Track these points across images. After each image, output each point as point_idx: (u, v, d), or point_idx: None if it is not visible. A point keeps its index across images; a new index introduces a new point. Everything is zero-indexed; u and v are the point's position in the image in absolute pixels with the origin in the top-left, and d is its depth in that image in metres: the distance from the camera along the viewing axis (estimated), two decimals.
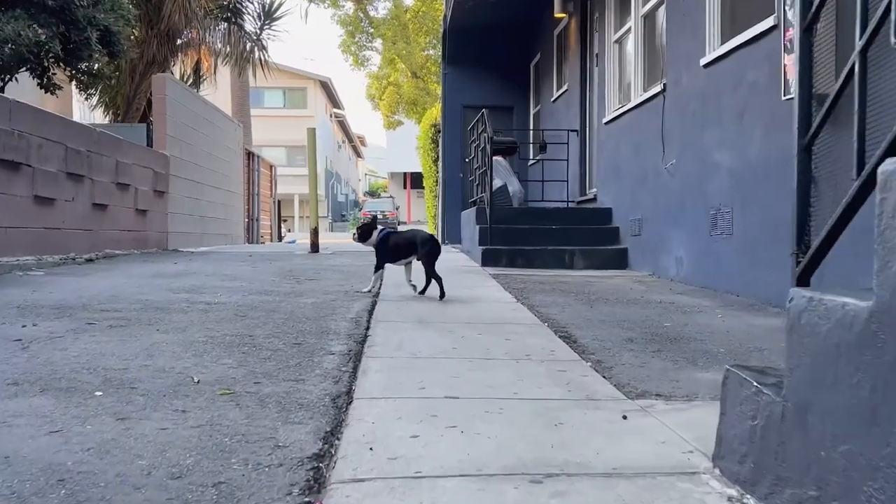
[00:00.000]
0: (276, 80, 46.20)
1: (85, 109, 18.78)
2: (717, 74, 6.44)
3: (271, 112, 47.57)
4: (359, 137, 72.89)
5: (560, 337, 4.36)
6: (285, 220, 33.88)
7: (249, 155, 18.29)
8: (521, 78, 15.69)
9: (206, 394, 2.93)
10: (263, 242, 19.87)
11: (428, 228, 24.72)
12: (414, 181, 58.01)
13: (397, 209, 51.41)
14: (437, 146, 20.94)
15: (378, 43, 27.57)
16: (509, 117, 15.47)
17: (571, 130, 11.39)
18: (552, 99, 13.16)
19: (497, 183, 9.77)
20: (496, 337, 4.30)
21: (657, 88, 7.85)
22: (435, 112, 21.35)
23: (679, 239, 7.25)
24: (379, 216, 48.01)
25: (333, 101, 55.11)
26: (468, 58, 15.65)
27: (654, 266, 7.92)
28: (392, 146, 55.08)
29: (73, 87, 13.44)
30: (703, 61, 6.67)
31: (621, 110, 9.19)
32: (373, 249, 6.15)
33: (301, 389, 3.02)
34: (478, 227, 9.33)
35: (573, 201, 11.33)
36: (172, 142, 11.66)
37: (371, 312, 5.15)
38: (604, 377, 3.40)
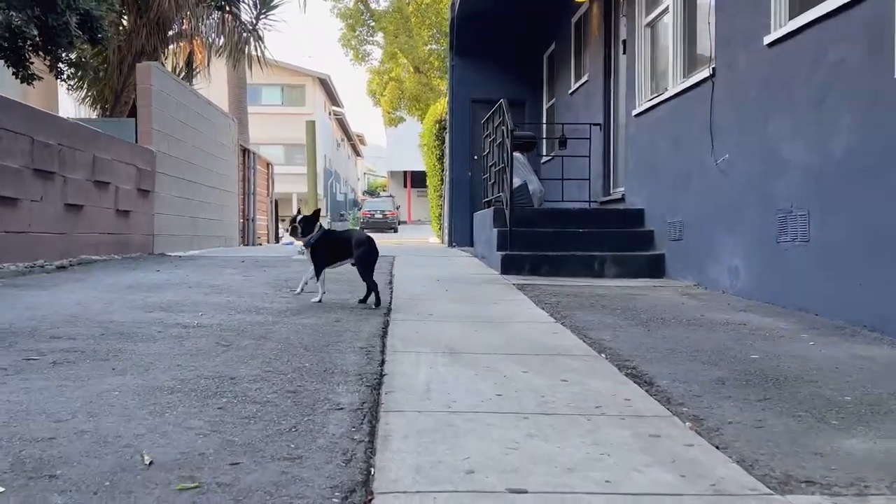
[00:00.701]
0: (274, 76, 45.30)
1: (74, 105, 17.83)
2: (788, 54, 5.50)
3: (269, 109, 46.68)
4: (357, 136, 71.96)
5: (629, 376, 3.41)
6: (283, 220, 32.94)
7: (245, 152, 17.34)
8: (534, 70, 14.75)
9: (158, 488, 1.99)
10: (260, 244, 18.93)
11: (432, 229, 23.76)
12: (414, 180, 57.09)
13: (398, 209, 50.41)
14: (443, 143, 20.02)
15: (379, 37, 26.61)
16: (521, 112, 14.50)
17: (594, 124, 10.45)
18: (570, 91, 12.22)
19: (516, 181, 8.82)
20: (548, 376, 3.36)
21: (704, 73, 6.92)
22: (440, 108, 20.43)
23: (734, 245, 6.31)
24: (379, 216, 47.31)
25: (332, 98, 54.19)
26: (477, 49, 14.74)
27: (700, 275, 6.98)
28: (393, 144, 54.19)
29: (60, 81, 12.45)
30: (767, 40, 5.72)
31: (656, 100, 8.26)
32: (310, 249, 5.59)
33: (297, 478, 2.08)
34: (496, 230, 8.39)
35: (596, 201, 10.40)
36: (159, 136, 10.71)
37: (384, 338, 4.22)
38: (716, 447, 2.47)
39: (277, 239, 20.95)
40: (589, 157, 10.35)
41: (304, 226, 5.54)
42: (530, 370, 3.49)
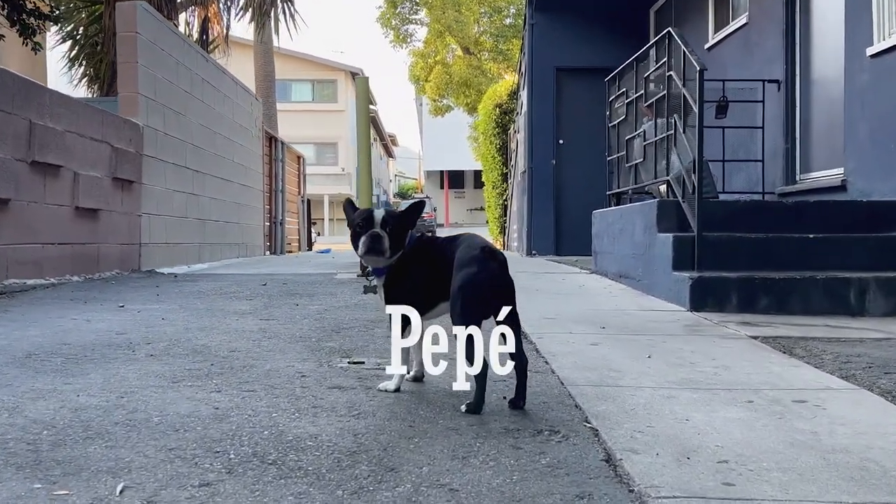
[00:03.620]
0: (304, 71, 42.61)
1: (70, 87, 14.90)
2: None
3: (299, 106, 43.96)
4: (390, 136, 69.23)
5: None
6: (314, 223, 29.90)
7: (272, 141, 14.28)
8: (636, 30, 11.49)
9: None
10: (291, 252, 15.89)
11: (490, 236, 20.48)
12: (452, 180, 53.94)
13: (435, 210, 47.35)
14: (504, 131, 16.86)
15: (423, 14, 23.40)
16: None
17: (770, 81, 7.22)
18: (706, 45, 8.99)
19: (687, 160, 5.55)
20: None
21: None
22: (501, 89, 17.27)
23: None
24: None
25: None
26: (563, 3, 11.54)
27: None
28: (429, 142, 51.21)
29: (25, 41, 9.41)
30: None
31: None
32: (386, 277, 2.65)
33: None
34: (665, 236, 5.18)
35: (772, 192, 7.16)
36: (150, 106, 7.65)
37: None
38: None
39: (310, 245, 17.90)
40: (762, 127, 7.11)
41: (395, 232, 2.49)
42: None
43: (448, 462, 1.93)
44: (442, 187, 55.13)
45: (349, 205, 2.68)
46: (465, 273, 2.40)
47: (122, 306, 4.71)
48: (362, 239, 2.49)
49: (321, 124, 45.03)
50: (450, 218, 53.02)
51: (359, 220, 2.53)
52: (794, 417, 2.44)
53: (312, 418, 2.28)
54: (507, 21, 23.34)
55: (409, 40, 24.31)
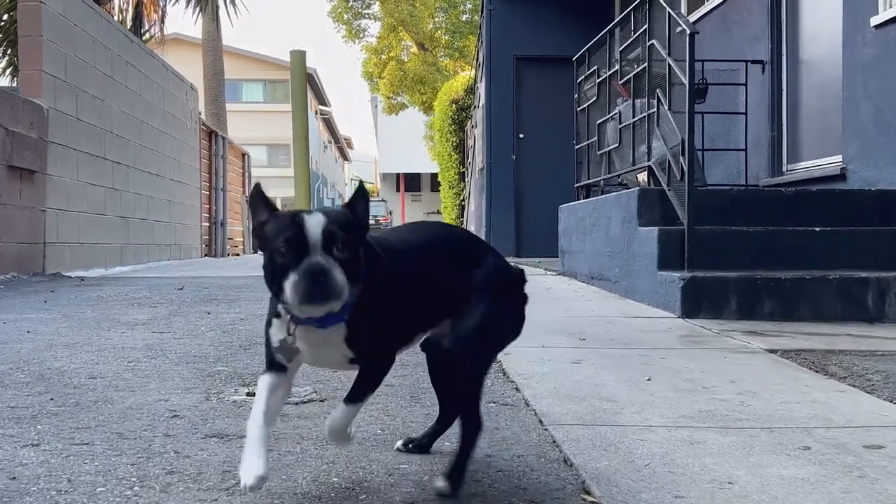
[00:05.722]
0: (255, 71, 41.53)
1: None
2: None
3: (250, 106, 42.85)
4: (345, 139, 68.22)
5: None
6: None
7: (211, 135, 13.30)
8: (601, 15, 10.79)
9: None
10: (237, 255, 14.92)
11: None
12: (408, 183, 53.07)
13: (390, 214, 46.70)
14: (460, 129, 16.12)
15: (376, 8, 22.50)
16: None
17: (753, 61, 6.55)
18: (678, 29, 8.30)
19: (674, 141, 4.82)
20: None
21: None
22: (457, 84, 16.52)
23: None
24: (371, 223, 43.15)
25: (319, 97, 50.21)
26: None
27: None
28: (385, 144, 50.29)
29: None
30: None
31: None
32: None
33: None
34: (649, 230, 4.44)
35: (755, 185, 6.48)
36: (58, 87, 6.69)
37: None
38: None
39: (255, 249, 16.85)
40: (745, 113, 6.42)
41: (351, 250, 1.35)
42: None
43: None
44: (398, 190, 54.26)
45: (259, 199, 1.40)
46: (505, 307, 1.70)
47: None
48: (292, 278, 1.30)
49: (274, 125, 43.77)
50: (405, 222, 52.12)
51: (282, 239, 1.32)
52: (879, 475, 1.68)
53: (159, 496, 1.44)
54: (464, 17, 22.62)
55: (361, 35, 23.41)
